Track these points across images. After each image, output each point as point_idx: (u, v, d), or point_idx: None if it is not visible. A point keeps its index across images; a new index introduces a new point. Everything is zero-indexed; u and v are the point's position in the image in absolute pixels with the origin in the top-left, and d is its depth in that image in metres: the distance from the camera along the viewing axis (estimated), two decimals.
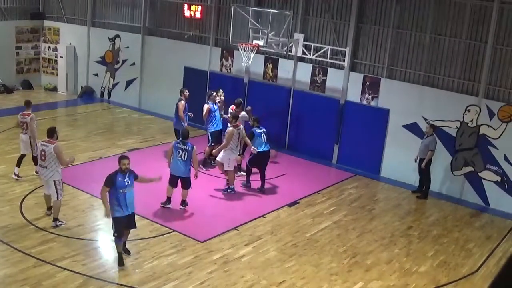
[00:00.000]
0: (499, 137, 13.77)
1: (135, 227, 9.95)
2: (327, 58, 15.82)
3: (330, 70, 16.18)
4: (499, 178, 13.88)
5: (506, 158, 13.72)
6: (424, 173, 14.06)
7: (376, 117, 15.51)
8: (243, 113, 14.70)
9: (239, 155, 14.48)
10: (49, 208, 11.21)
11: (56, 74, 22.37)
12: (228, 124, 13.48)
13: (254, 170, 13.66)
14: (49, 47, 22.54)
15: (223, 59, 18.28)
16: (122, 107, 20.65)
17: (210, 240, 10.92)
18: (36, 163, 12.97)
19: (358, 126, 15.86)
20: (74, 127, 18.04)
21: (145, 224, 11.15)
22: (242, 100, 15.30)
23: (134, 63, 20.57)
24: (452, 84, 14.49)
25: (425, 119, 14.55)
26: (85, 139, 16.58)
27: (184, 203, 12.17)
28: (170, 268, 9.75)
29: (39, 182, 12.33)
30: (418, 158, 14.02)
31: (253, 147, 13.25)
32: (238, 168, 14.55)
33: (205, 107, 14.66)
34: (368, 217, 12.81)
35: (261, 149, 13.42)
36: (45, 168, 10.81)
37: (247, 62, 15.54)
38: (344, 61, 15.68)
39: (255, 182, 13.72)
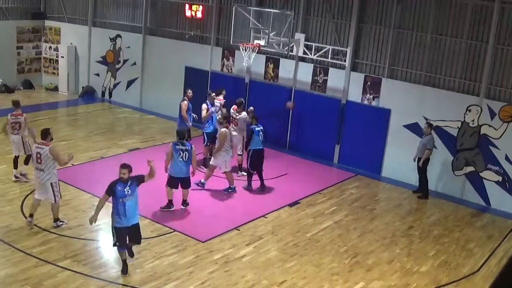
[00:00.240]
0: (500, 137, 13.76)
1: (139, 242, 9.63)
2: (328, 58, 15.82)
3: (331, 70, 16.17)
4: (500, 178, 13.88)
5: (507, 158, 13.71)
6: (421, 172, 14.10)
7: (377, 117, 15.51)
8: (244, 113, 14.64)
9: (239, 154, 14.51)
10: (31, 215, 10.72)
11: (57, 74, 22.38)
12: (219, 125, 13.38)
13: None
14: (50, 47, 22.55)
15: (224, 59, 18.28)
16: (123, 107, 20.66)
17: (211, 240, 10.92)
18: (27, 163, 12.81)
19: (359, 126, 15.86)
20: (75, 127, 18.05)
21: (146, 224, 11.13)
22: (243, 100, 15.24)
23: (135, 63, 20.58)
24: (453, 84, 14.48)
25: (426, 119, 14.54)
26: (86, 139, 16.59)
27: (185, 203, 12.16)
28: (171, 268, 9.75)
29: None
30: (417, 157, 14.05)
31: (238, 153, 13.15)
32: (239, 168, 14.57)
33: (204, 107, 14.72)
34: (369, 217, 12.81)
35: (258, 148, 13.42)
36: (42, 171, 10.52)
37: (248, 62, 15.55)
38: (345, 61, 15.68)
39: (254, 182, 13.69)
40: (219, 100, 15.38)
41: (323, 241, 11.33)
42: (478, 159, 14.15)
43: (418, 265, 10.70)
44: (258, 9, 15.91)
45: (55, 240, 10.37)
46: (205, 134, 14.81)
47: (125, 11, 20.78)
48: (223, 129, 13.05)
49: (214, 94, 15.12)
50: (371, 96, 15.56)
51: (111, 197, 9.22)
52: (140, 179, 9.35)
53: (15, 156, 12.90)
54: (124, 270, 9.42)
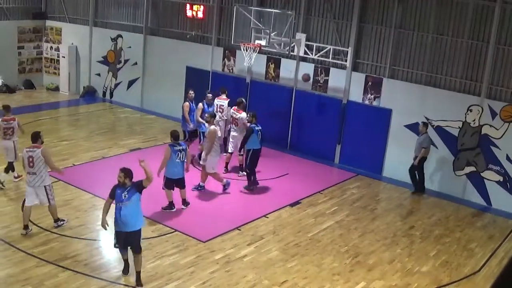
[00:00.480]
0: (501, 137, 13.75)
1: (136, 251, 9.17)
2: (329, 58, 15.80)
3: (332, 70, 16.17)
4: (501, 178, 13.87)
5: (508, 158, 13.70)
6: (417, 170, 14.23)
7: (378, 117, 15.50)
8: (243, 113, 14.61)
9: (241, 154, 14.49)
10: (26, 227, 10.38)
11: (58, 74, 22.38)
12: (207, 124, 13.30)
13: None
14: (51, 47, 22.56)
15: (225, 59, 18.28)
16: (124, 107, 20.66)
17: (212, 240, 10.92)
18: (13, 169, 12.60)
19: (360, 126, 15.86)
20: (76, 127, 18.06)
21: (147, 224, 11.12)
22: (243, 99, 15.23)
23: (136, 63, 20.58)
24: (454, 84, 14.47)
25: (427, 119, 14.55)
26: (87, 139, 16.59)
27: (185, 202, 12.17)
28: (172, 268, 9.75)
29: None
30: (415, 156, 14.11)
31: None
32: (240, 168, 14.56)
33: (199, 106, 14.88)
34: (370, 217, 12.80)
35: (257, 147, 13.41)
36: (35, 174, 10.32)
37: (249, 62, 15.55)
38: (346, 61, 15.66)
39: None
40: (223, 99, 15.42)
41: (324, 241, 11.33)
42: (479, 159, 14.14)
43: (419, 265, 10.69)
44: (259, 9, 15.93)
45: (56, 240, 10.38)
46: (200, 134, 14.93)
47: (126, 11, 20.79)
48: (212, 127, 12.89)
49: (210, 95, 15.26)
50: (372, 96, 15.55)
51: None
52: (139, 186, 9.12)
53: (9, 162, 12.63)
54: (125, 270, 9.43)
